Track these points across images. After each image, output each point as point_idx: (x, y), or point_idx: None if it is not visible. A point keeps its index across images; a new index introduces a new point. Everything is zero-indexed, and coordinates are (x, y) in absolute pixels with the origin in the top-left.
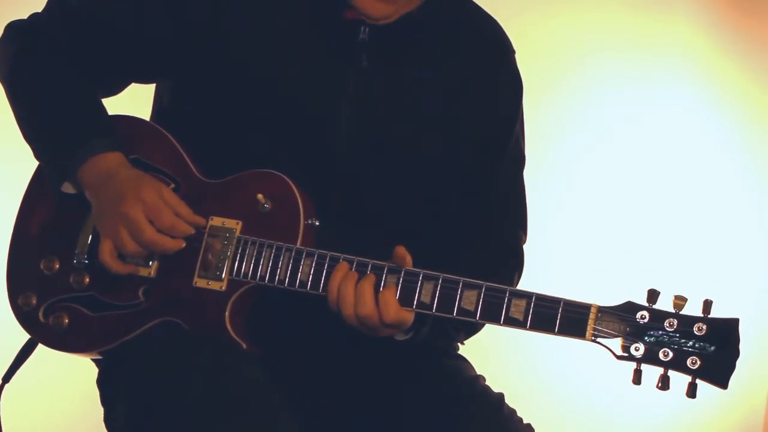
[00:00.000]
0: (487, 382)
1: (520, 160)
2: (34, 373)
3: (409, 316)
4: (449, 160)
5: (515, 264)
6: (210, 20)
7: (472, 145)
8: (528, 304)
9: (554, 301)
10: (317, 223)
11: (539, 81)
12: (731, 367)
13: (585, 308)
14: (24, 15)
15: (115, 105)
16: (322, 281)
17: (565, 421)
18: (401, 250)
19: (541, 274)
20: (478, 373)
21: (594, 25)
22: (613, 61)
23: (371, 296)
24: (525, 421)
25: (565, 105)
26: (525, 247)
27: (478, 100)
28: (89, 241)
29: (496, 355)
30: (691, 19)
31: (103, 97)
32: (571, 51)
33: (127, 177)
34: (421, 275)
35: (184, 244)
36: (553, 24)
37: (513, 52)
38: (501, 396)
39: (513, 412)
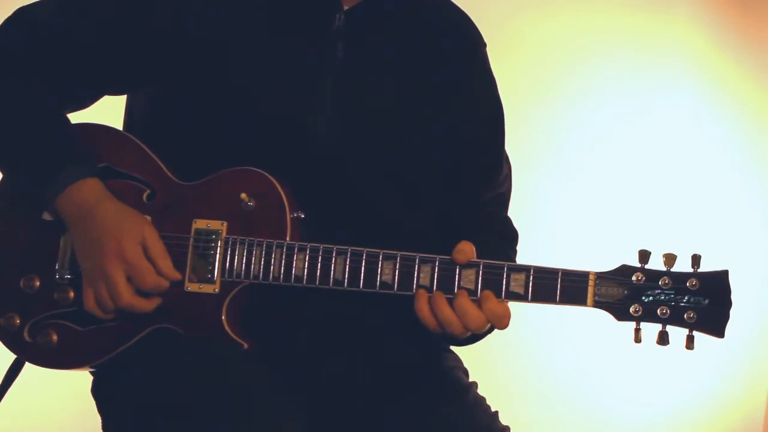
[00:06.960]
0: (477, 381)
1: (504, 155)
2: (26, 389)
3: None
4: (429, 150)
5: (512, 240)
6: (177, 27)
7: (454, 140)
8: (527, 277)
9: (552, 272)
10: (302, 216)
11: (539, 80)
12: (726, 317)
13: (584, 276)
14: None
15: (85, 115)
16: (318, 274)
17: (561, 422)
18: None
19: (534, 247)
20: (470, 371)
21: (593, 25)
22: (613, 61)
23: (475, 309)
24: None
25: (564, 104)
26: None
27: (455, 94)
28: (69, 257)
29: (486, 353)
30: (691, 19)
31: (73, 110)
32: (571, 51)
33: (105, 218)
34: (417, 258)
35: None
36: (552, 24)
37: (484, 45)
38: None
39: (495, 413)
